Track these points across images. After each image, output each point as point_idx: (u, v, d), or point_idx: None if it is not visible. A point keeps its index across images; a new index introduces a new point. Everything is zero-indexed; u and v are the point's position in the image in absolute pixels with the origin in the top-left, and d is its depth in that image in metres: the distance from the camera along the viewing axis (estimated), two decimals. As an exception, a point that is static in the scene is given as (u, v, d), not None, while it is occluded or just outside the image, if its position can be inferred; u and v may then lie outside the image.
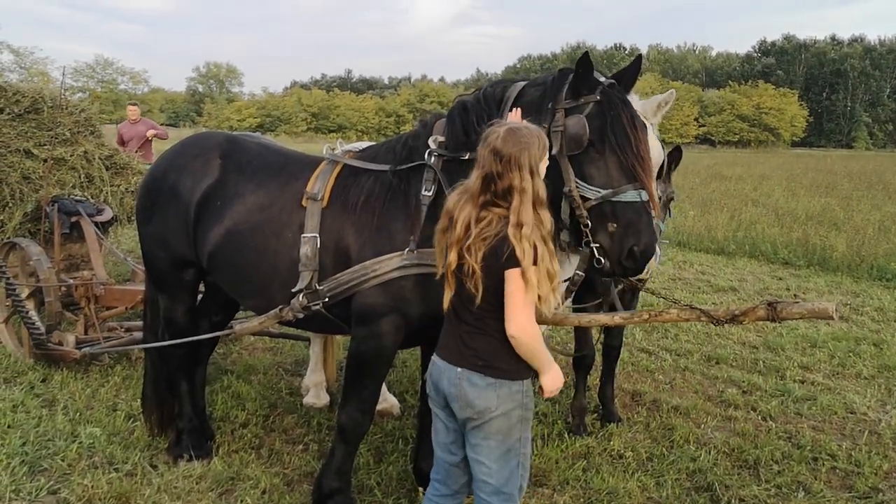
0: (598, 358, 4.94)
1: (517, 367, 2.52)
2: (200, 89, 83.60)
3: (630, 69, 3.04)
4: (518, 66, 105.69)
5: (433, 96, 79.90)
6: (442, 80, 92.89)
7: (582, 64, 2.86)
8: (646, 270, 3.27)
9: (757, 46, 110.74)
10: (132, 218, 7.07)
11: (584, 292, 3.93)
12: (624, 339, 5.01)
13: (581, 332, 4.63)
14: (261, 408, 4.75)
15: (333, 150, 3.77)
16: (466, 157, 3.09)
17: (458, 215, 2.46)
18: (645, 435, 4.57)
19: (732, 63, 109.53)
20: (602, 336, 4.57)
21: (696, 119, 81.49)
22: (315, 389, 4.91)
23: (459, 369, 2.52)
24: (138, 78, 72.35)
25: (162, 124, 12.59)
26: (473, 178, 2.48)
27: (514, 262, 2.35)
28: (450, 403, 2.58)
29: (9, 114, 6.41)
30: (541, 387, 2.57)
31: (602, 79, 2.91)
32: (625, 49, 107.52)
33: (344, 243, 3.27)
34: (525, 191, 2.39)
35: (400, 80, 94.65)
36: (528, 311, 2.41)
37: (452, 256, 2.45)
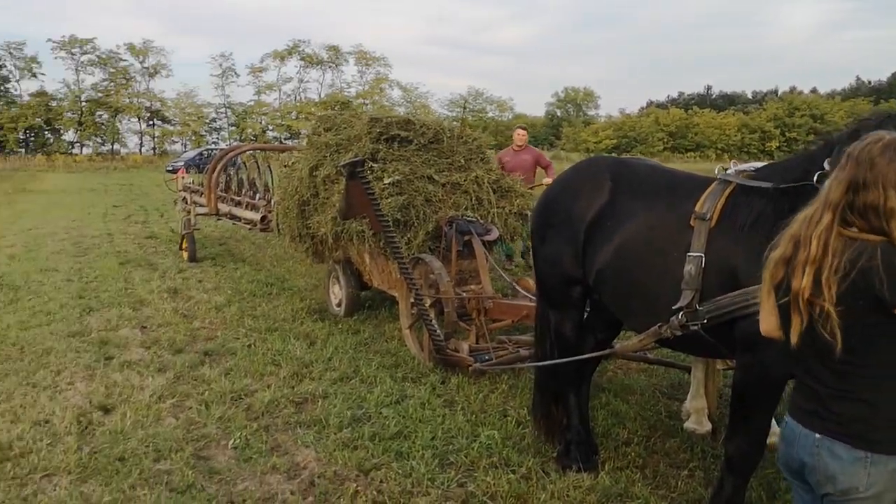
0: None
1: None
2: (558, 113, 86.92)
3: None
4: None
5: (804, 109, 73.57)
6: (814, 90, 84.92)
7: None
8: None
9: None
10: (513, 237, 7.64)
11: None
12: None
13: None
14: (641, 428, 4.77)
15: (726, 169, 3.72)
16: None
17: (808, 232, 2.04)
18: None
19: None
20: None
21: None
22: (696, 415, 4.80)
23: (818, 436, 2.10)
24: (504, 106, 77.72)
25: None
26: (831, 184, 2.08)
27: None
28: (806, 475, 2.16)
29: (416, 145, 7.29)
30: None
31: None
32: None
33: (730, 264, 3.20)
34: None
35: (765, 94, 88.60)
36: None
37: (806, 281, 1.99)
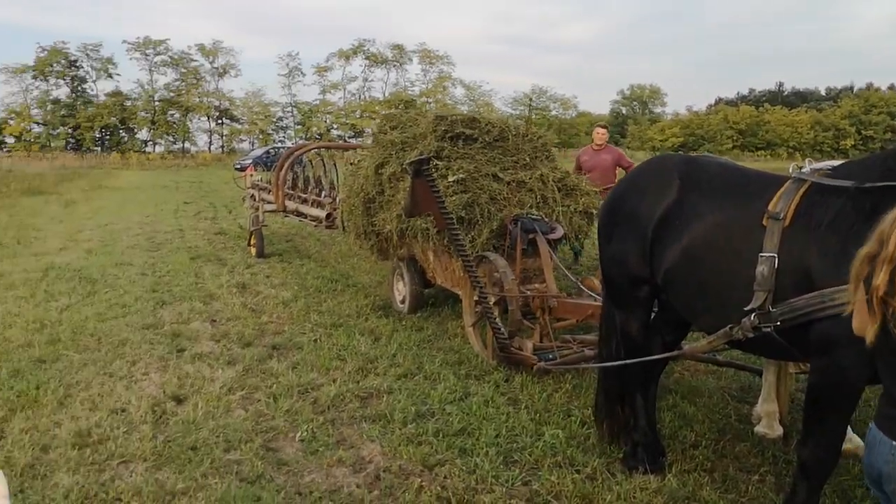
0: None
1: None
2: (624, 111, 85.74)
3: None
4: None
5: (881, 106, 71.03)
6: (892, 87, 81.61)
7: None
8: None
9: None
10: (578, 236, 7.57)
11: None
12: None
13: None
14: (709, 431, 4.68)
15: (800, 168, 3.61)
16: None
17: (891, 229, 2.02)
18: None
19: None
20: None
21: None
22: (767, 419, 4.68)
23: (894, 443, 2.07)
24: (568, 104, 77.09)
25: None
26: None
27: None
28: (882, 484, 2.12)
29: (481, 143, 7.29)
30: None
31: None
32: None
33: (804, 265, 3.11)
34: None
35: (840, 91, 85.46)
36: None
37: (882, 278, 1.98)
